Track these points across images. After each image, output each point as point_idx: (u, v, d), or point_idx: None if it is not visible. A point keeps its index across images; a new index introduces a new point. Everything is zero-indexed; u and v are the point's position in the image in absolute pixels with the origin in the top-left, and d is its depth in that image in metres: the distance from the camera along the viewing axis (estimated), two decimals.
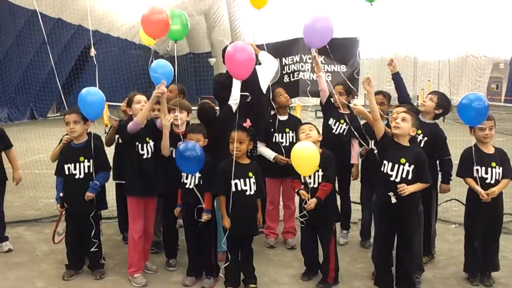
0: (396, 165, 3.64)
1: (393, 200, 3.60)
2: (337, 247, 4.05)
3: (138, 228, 4.10)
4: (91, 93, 4.00)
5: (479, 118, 3.84)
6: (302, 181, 3.96)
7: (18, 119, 18.94)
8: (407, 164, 3.62)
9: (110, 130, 4.74)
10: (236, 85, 4.47)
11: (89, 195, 4.02)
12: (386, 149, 3.75)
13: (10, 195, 5.19)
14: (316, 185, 3.91)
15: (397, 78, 4.62)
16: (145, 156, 4.10)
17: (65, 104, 7.54)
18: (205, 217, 3.87)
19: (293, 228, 4.97)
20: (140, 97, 4.12)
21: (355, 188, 5.11)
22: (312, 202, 3.81)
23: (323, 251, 4.02)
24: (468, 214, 4.11)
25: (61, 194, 4.09)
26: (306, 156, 3.71)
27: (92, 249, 4.12)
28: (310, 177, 3.90)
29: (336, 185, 4.40)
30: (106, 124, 6.14)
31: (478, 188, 3.87)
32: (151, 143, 4.12)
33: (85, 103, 3.96)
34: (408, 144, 3.73)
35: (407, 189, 3.56)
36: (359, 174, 4.91)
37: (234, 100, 4.47)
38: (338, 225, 4.49)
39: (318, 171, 3.88)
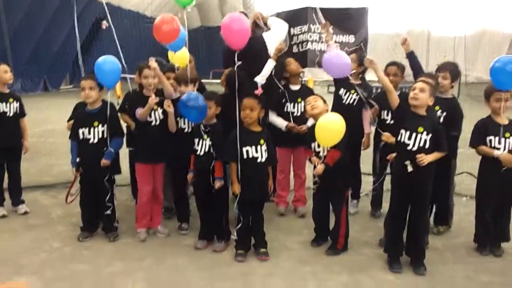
0: (414, 134, 3.60)
1: (410, 168, 3.59)
2: (348, 215, 4.08)
3: (145, 192, 4.25)
4: (108, 62, 4.05)
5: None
6: (313, 149, 3.98)
7: (32, 90, 19.05)
8: (424, 132, 3.58)
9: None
10: (269, 65, 4.48)
11: (104, 162, 4.09)
12: (403, 119, 3.71)
13: (25, 163, 5.28)
14: (325, 153, 3.92)
15: (411, 57, 4.53)
16: (153, 123, 4.18)
17: (83, 73, 7.54)
18: (218, 184, 3.91)
19: (303, 197, 5.01)
20: (147, 73, 4.15)
21: (368, 159, 5.10)
22: (319, 168, 3.83)
23: (335, 217, 4.04)
24: (480, 185, 4.09)
25: (77, 159, 4.17)
26: (334, 128, 3.69)
27: (107, 212, 4.21)
28: (319, 145, 3.91)
29: None
30: (118, 96, 6.16)
31: (493, 151, 3.84)
32: (159, 110, 4.18)
33: (101, 71, 4.01)
34: (425, 113, 3.70)
35: (426, 159, 3.54)
36: (370, 145, 4.90)
37: (262, 79, 4.46)
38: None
39: None
